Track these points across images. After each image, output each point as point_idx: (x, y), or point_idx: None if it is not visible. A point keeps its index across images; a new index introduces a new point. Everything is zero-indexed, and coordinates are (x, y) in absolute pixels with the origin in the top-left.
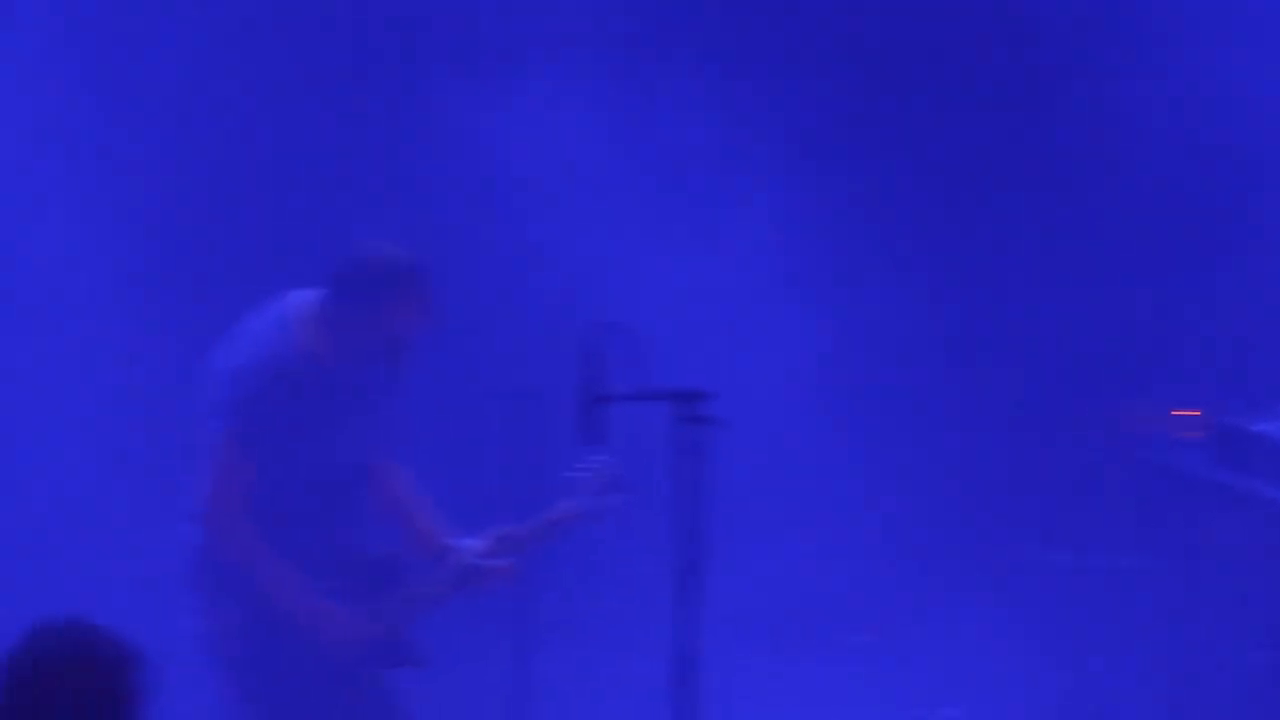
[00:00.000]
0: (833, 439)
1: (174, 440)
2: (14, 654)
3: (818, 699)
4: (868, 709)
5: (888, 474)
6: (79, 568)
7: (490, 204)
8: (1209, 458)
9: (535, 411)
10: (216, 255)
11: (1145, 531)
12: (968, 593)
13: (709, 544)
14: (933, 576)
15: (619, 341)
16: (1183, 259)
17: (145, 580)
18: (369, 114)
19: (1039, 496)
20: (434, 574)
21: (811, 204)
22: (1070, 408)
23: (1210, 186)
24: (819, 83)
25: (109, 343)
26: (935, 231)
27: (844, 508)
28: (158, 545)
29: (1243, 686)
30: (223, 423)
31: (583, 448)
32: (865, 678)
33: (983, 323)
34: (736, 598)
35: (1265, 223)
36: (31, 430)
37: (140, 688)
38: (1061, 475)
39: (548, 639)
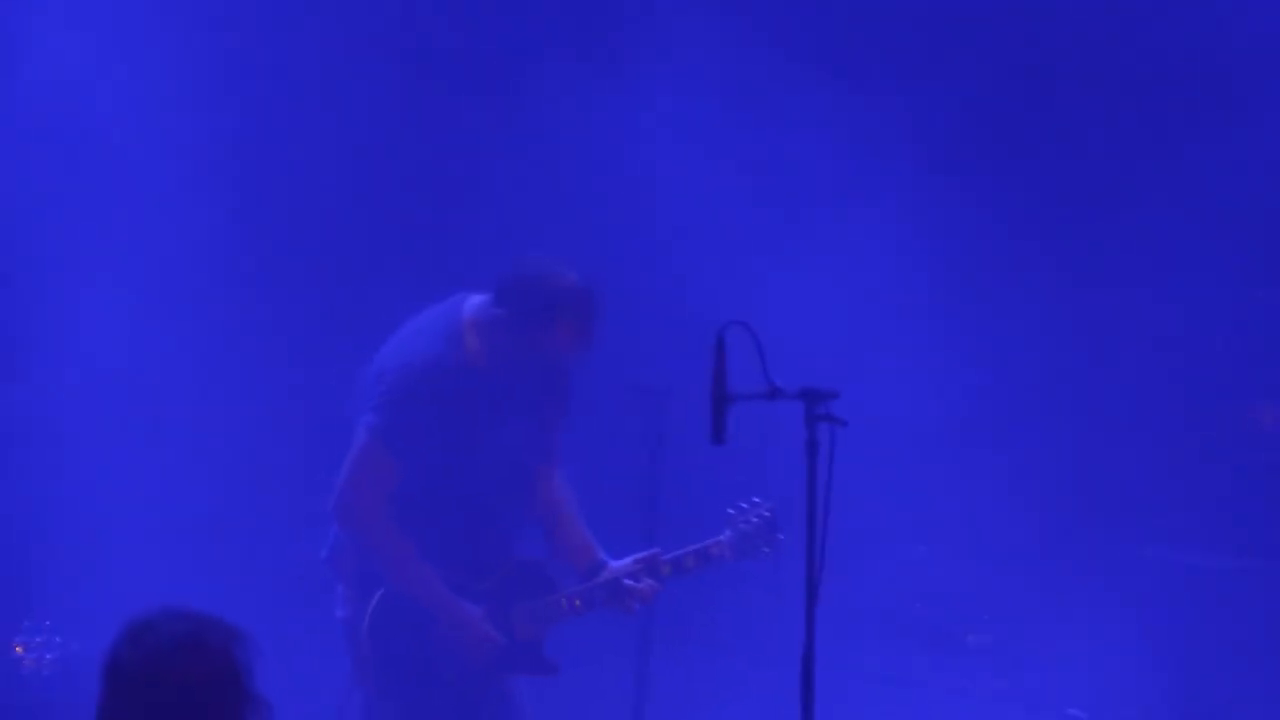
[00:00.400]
0: (954, 440)
1: (299, 447)
2: (117, 645)
3: (940, 699)
4: (990, 709)
5: (1010, 475)
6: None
7: (622, 212)
8: None
9: (665, 410)
10: (352, 260)
11: (1273, 533)
12: (1090, 593)
13: (833, 544)
14: (1054, 577)
15: (747, 342)
16: None
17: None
18: (497, 126)
19: (1162, 497)
20: (578, 588)
21: (939, 210)
22: (1198, 410)
23: None
24: (948, 91)
25: (239, 347)
26: (1059, 234)
27: (965, 508)
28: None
29: None
30: (371, 418)
31: (713, 445)
32: (987, 678)
33: (1108, 326)
34: (858, 598)
35: None
36: (151, 435)
37: (249, 663)
38: (1189, 476)
39: (671, 642)
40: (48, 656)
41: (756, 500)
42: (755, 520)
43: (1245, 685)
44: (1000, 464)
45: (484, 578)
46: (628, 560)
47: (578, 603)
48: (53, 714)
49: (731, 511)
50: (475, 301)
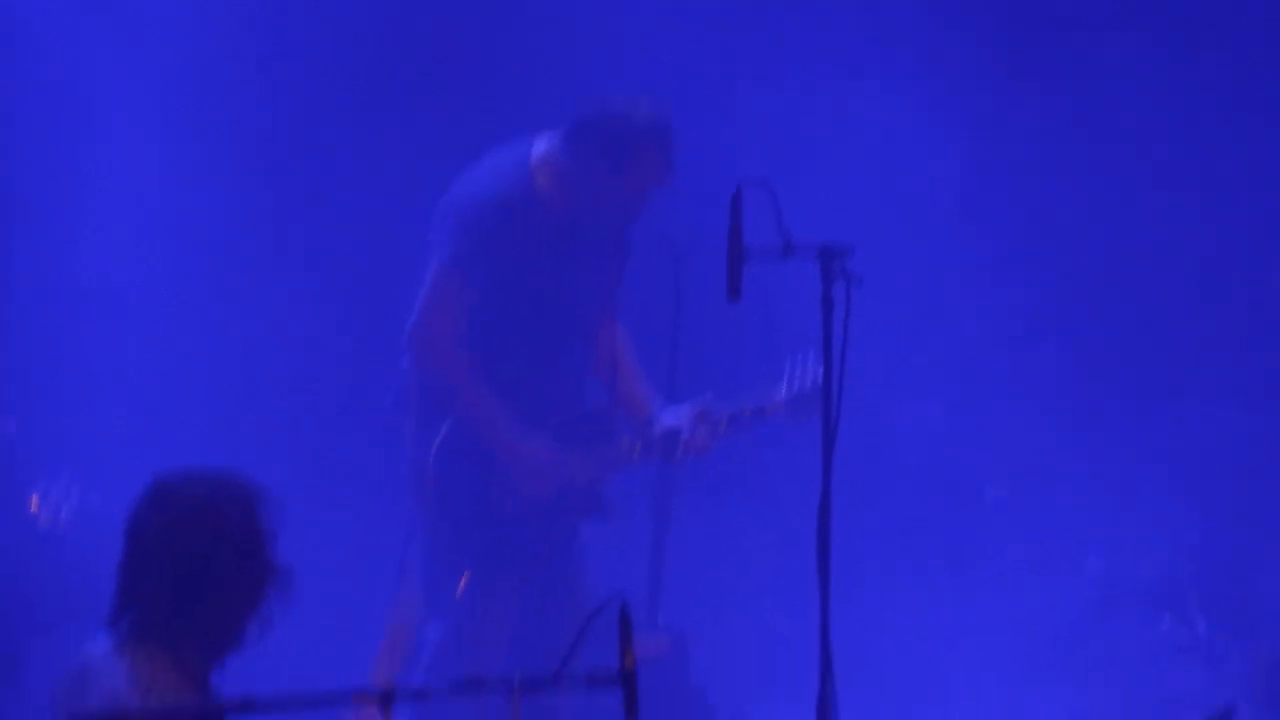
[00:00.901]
0: (982, 296)
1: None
2: (139, 508)
3: (956, 552)
4: (1011, 561)
5: (1040, 331)
6: None
7: (632, 67)
8: None
9: (684, 266)
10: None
11: None
12: (1116, 448)
13: (851, 398)
14: (1081, 433)
15: (763, 198)
16: None
17: None
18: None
19: (1196, 354)
20: (638, 438)
21: (956, 53)
22: (1232, 267)
23: None
24: None
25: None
26: (1082, 70)
27: (992, 363)
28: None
29: None
30: (443, 251)
31: (729, 304)
32: (1006, 530)
33: (1138, 182)
34: (876, 454)
35: None
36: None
37: (270, 531)
38: (1223, 333)
39: (690, 489)
40: (64, 509)
41: (810, 358)
42: (809, 380)
43: (1271, 540)
44: (1030, 321)
45: (548, 422)
46: (684, 412)
47: (636, 452)
48: (71, 570)
49: (785, 370)
50: (546, 141)
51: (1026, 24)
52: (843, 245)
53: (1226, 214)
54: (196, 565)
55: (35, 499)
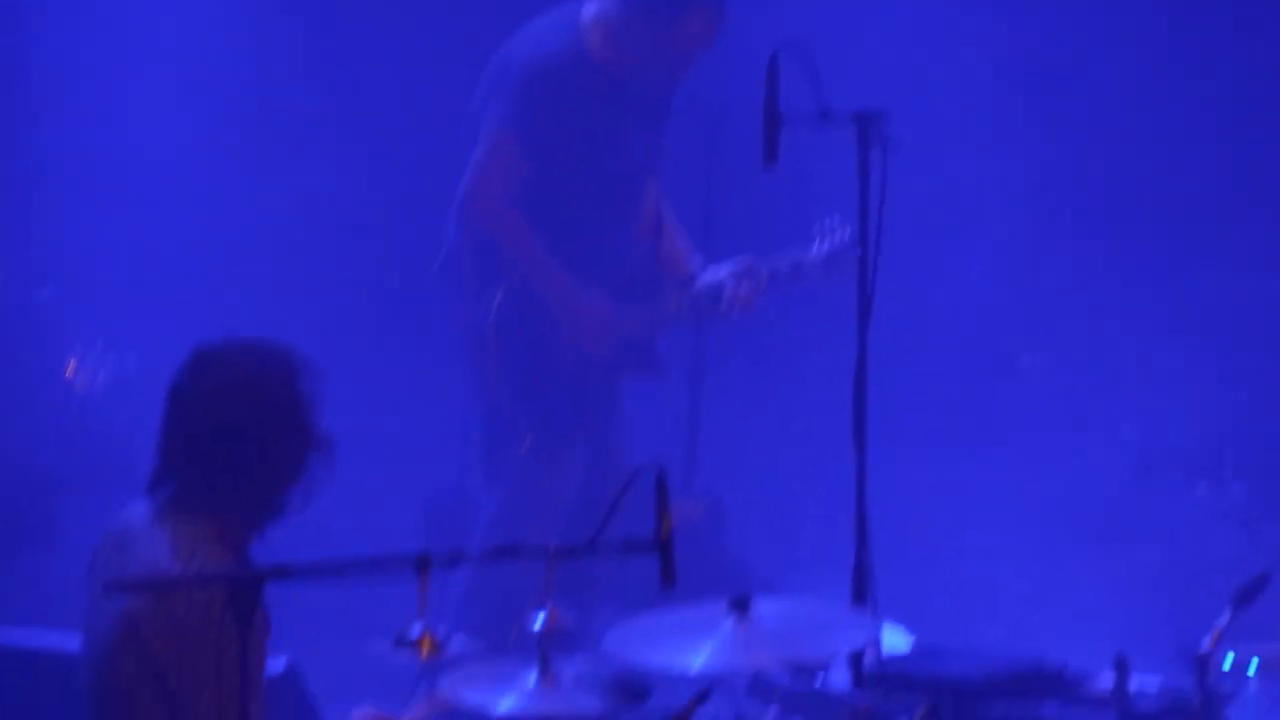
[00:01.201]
0: (1010, 158)
1: None
2: (181, 374)
3: (992, 420)
4: (1043, 428)
5: (1069, 194)
6: None
7: None
8: None
9: (719, 132)
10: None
11: None
12: (1145, 311)
13: (887, 265)
14: (1112, 295)
15: (799, 62)
16: None
17: None
18: None
19: (1224, 217)
20: (685, 294)
21: None
22: (1268, 130)
23: None
24: None
25: None
26: None
27: (1021, 228)
28: None
29: None
30: (498, 113)
31: (765, 169)
32: (1041, 398)
33: (1170, 39)
34: (912, 322)
35: None
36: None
37: (312, 401)
38: (1251, 196)
39: (724, 361)
40: (100, 375)
41: (839, 218)
42: (841, 238)
43: None
44: (1068, 188)
45: (598, 281)
46: (727, 269)
47: (685, 308)
48: (106, 436)
49: (817, 229)
50: (596, 2)
51: None
52: (879, 111)
53: (1266, 79)
54: (237, 433)
55: (72, 364)
